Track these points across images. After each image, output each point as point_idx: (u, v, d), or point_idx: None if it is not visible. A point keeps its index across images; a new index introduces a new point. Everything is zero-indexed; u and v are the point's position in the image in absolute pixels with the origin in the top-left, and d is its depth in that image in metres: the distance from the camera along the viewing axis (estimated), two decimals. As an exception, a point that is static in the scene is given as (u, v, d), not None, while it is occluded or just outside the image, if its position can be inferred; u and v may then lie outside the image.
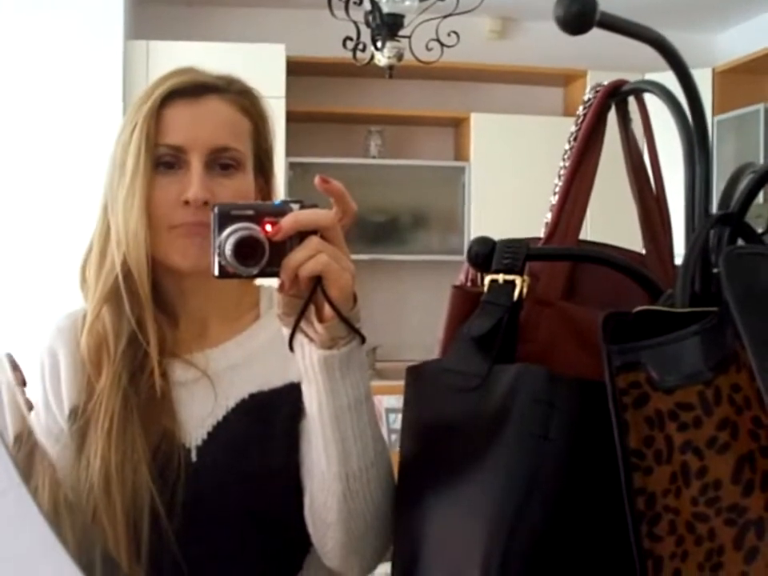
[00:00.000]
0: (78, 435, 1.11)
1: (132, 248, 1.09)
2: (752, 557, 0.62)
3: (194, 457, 1.10)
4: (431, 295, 5.28)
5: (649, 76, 3.75)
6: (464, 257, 0.90)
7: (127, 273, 1.10)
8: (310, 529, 1.05)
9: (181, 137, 1.10)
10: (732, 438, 0.64)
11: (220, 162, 1.11)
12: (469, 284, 0.99)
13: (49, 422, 1.15)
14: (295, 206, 0.90)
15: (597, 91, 0.98)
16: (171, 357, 1.13)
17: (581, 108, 0.99)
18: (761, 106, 4.88)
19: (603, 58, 4.49)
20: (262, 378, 1.14)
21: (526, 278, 0.84)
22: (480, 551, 0.73)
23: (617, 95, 0.96)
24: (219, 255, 0.87)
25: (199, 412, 1.12)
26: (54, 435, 1.14)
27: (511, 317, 0.83)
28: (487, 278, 0.85)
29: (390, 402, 3.81)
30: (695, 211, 0.81)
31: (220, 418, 1.12)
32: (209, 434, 1.12)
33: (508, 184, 5.22)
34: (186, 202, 1.08)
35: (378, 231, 5.28)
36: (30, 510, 0.42)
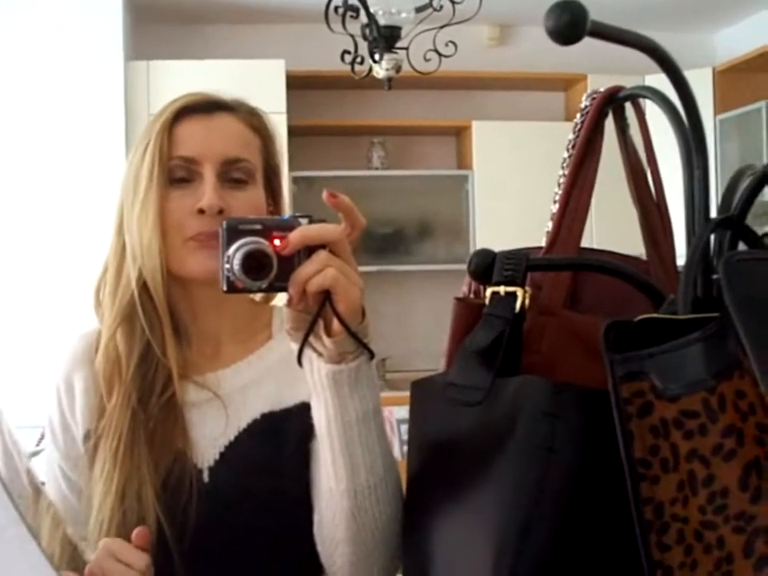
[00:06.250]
0: (89, 455, 1.12)
1: (147, 260, 1.10)
2: (761, 565, 0.62)
3: (205, 477, 1.10)
4: (438, 305, 5.27)
5: (649, 77, 3.75)
6: (470, 266, 0.90)
7: (142, 289, 1.11)
8: (319, 547, 1.05)
9: (193, 149, 1.12)
10: (738, 445, 0.64)
11: (232, 176, 1.13)
12: (472, 296, 0.99)
13: (68, 445, 1.16)
14: (304, 221, 0.90)
15: (593, 98, 0.98)
16: (183, 378, 1.13)
17: (578, 116, 0.99)
18: (763, 104, 4.87)
19: (603, 61, 4.46)
20: (273, 398, 1.14)
21: (527, 289, 0.84)
22: (488, 567, 0.72)
23: (613, 102, 0.96)
24: (228, 269, 0.87)
25: (211, 432, 1.13)
26: (73, 459, 1.15)
27: (514, 328, 0.83)
28: (488, 290, 0.85)
29: (400, 414, 3.79)
30: (695, 215, 0.81)
31: (232, 438, 1.13)
32: (221, 454, 1.12)
33: (512, 190, 5.22)
34: (201, 211, 1.09)
35: (383, 242, 5.28)
36: (29, 546, 0.42)
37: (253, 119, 1.19)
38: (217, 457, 1.12)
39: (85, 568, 0.96)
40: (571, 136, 1.00)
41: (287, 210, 1.23)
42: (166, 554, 1.04)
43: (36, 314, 4.38)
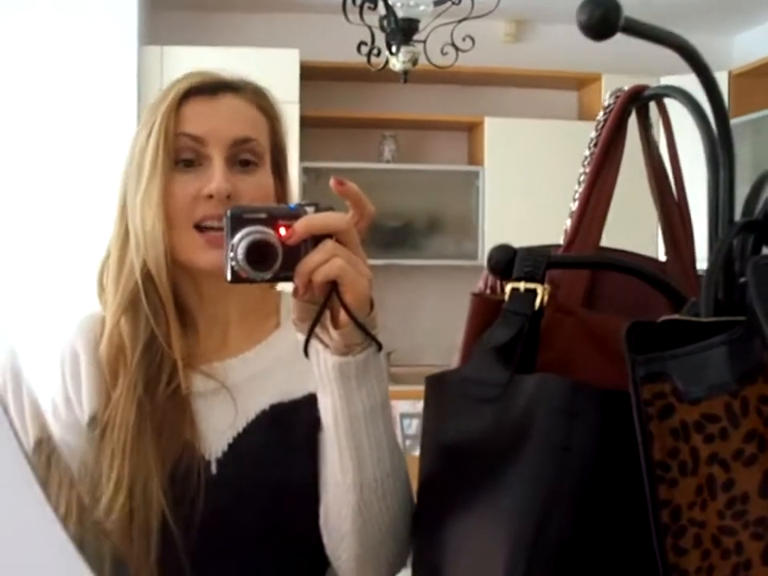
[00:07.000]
0: (95, 443, 1.10)
1: (150, 246, 1.07)
2: (781, 572, 0.61)
3: (213, 469, 1.09)
4: (446, 300, 5.27)
5: (664, 79, 3.73)
6: (478, 261, 0.89)
7: (146, 277, 1.09)
8: (325, 540, 1.03)
9: (201, 128, 1.09)
10: (759, 451, 0.63)
11: (240, 158, 1.10)
12: (488, 291, 0.98)
13: (70, 416, 1.14)
14: (310, 209, 0.87)
15: (617, 96, 0.97)
16: (190, 367, 1.12)
17: (601, 113, 0.98)
18: (777, 109, 4.86)
19: (618, 61, 4.47)
20: (282, 389, 1.13)
21: (547, 286, 0.83)
22: (503, 565, 0.72)
23: (637, 100, 0.95)
24: (232, 259, 0.85)
25: (219, 423, 1.11)
26: (76, 430, 1.13)
27: (532, 325, 0.82)
28: (508, 286, 0.84)
29: (404, 407, 3.78)
30: (719, 218, 0.80)
31: (240, 429, 1.11)
32: (229, 445, 1.10)
33: (522, 188, 5.21)
34: (210, 196, 1.07)
35: (392, 236, 5.27)
36: (53, 528, 0.41)
37: (259, 99, 1.16)
38: (225, 448, 1.10)
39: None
40: (593, 134, 0.99)
41: (295, 194, 1.21)
42: (172, 546, 1.03)
43: (43, 300, 4.37)
